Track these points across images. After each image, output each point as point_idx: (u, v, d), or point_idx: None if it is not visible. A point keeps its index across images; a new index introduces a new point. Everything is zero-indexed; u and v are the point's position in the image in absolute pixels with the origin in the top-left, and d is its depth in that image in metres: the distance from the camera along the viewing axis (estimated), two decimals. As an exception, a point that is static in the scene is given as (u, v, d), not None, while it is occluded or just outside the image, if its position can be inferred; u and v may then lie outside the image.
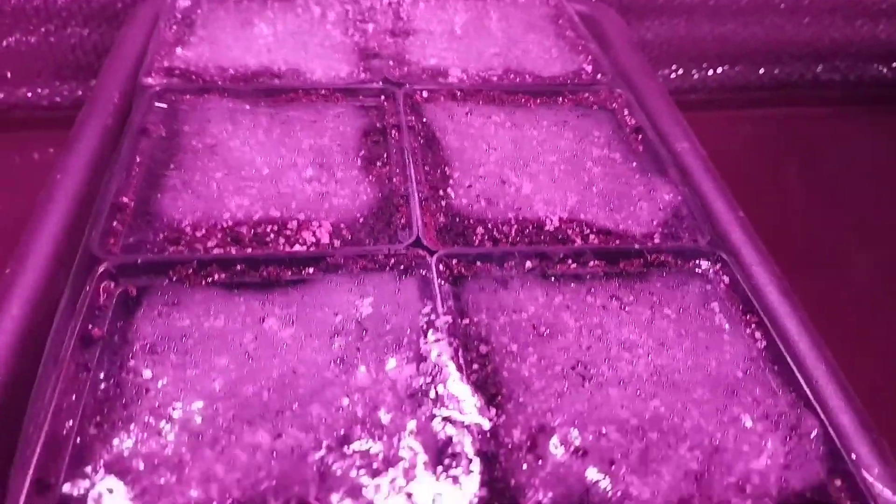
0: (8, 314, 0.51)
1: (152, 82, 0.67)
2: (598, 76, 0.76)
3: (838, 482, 0.44)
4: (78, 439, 0.40)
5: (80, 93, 1.01)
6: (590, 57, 0.78)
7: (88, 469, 0.39)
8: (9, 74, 0.98)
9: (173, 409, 0.42)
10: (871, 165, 1.12)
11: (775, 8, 1.10)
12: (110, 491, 0.38)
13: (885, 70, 1.22)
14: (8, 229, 0.90)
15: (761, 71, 1.18)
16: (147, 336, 0.46)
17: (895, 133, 1.18)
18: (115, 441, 0.40)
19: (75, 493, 0.38)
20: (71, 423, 0.40)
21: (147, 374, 0.44)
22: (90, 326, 0.46)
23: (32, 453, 0.39)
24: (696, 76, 1.15)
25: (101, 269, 0.49)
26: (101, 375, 0.43)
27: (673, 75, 1.14)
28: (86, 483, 0.38)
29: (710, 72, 1.15)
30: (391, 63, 0.74)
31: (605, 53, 0.85)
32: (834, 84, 1.22)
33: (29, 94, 1.00)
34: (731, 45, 1.13)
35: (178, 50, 0.73)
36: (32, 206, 0.95)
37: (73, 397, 0.42)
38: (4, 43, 0.95)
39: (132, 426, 0.41)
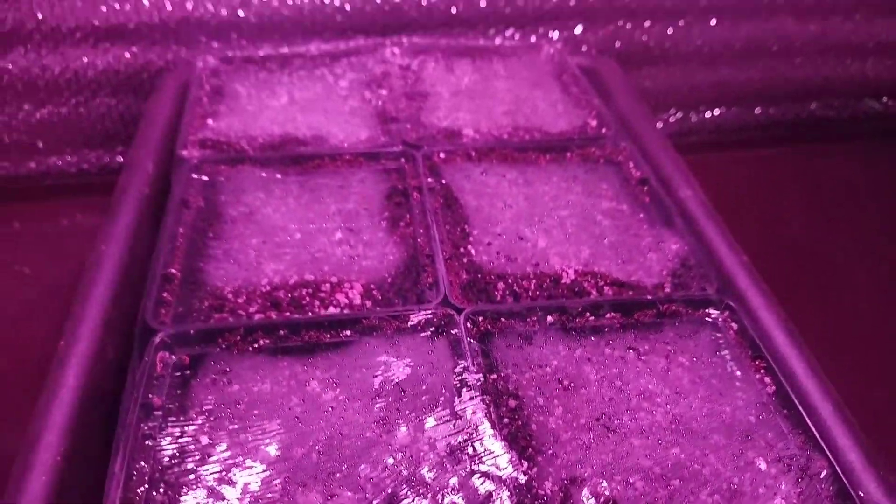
0: (66, 385, 0.55)
1: (189, 155, 0.72)
2: (603, 130, 0.81)
3: (849, 520, 0.47)
4: (149, 505, 0.43)
5: (106, 159, 1.05)
6: (594, 111, 0.83)
7: (160, 533, 0.42)
8: (40, 144, 1.03)
9: (232, 473, 0.45)
10: (870, 196, 1.16)
11: (768, 51, 1.15)
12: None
13: (876, 105, 1.27)
14: (45, 291, 0.95)
15: (757, 111, 1.22)
16: (203, 403, 0.50)
17: (891, 164, 1.22)
18: (183, 505, 0.44)
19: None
20: (142, 489, 0.44)
21: (205, 440, 0.48)
22: (150, 396, 0.50)
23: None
24: (694, 119, 1.20)
25: (156, 340, 0.53)
26: (165, 441, 0.47)
27: (672, 119, 1.19)
28: (158, 546, 0.42)
29: (708, 114, 1.20)
30: (408, 126, 0.79)
31: (608, 104, 0.90)
32: (829, 120, 1.26)
33: (59, 163, 1.05)
34: (726, 88, 1.18)
35: (209, 121, 0.78)
36: (66, 269, 1.00)
37: (142, 463, 0.45)
38: (38, 115, 1.00)
39: (196, 491, 0.44)
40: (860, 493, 0.48)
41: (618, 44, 1.09)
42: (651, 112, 1.08)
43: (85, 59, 0.96)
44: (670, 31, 1.09)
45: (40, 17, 0.93)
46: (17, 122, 1.01)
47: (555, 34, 1.07)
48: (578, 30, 1.07)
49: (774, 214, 1.11)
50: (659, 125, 1.19)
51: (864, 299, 0.96)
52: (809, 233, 1.08)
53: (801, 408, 0.52)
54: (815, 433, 0.51)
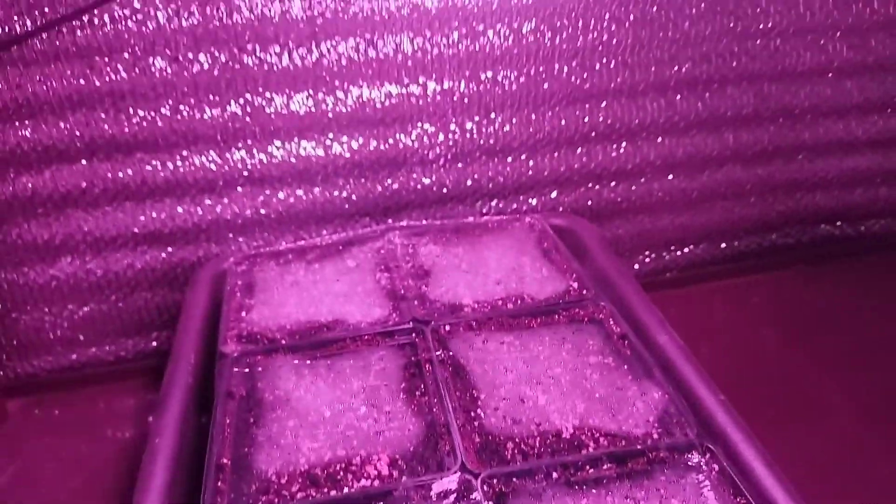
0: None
1: (230, 350, 0.83)
2: (584, 292, 0.92)
3: None
4: None
5: (142, 346, 1.16)
6: (574, 275, 0.95)
7: None
8: (81, 337, 1.14)
9: None
10: (836, 316, 1.27)
11: (722, 195, 1.31)
12: None
13: (832, 229, 1.41)
14: (90, 475, 1.02)
15: (723, 245, 1.36)
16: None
17: (853, 283, 1.34)
18: None
19: None
20: None
21: None
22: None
23: None
24: (667, 257, 1.34)
25: (218, 531, 0.61)
26: None
27: (647, 259, 1.33)
28: None
29: (678, 252, 1.34)
30: (416, 303, 0.91)
31: (586, 262, 1.03)
32: (790, 248, 1.40)
33: (98, 353, 1.15)
34: (691, 229, 1.32)
35: (244, 313, 0.90)
36: (107, 452, 1.08)
37: None
38: (81, 313, 1.12)
39: None
40: None
41: (589, 202, 1.25)
42: (624, 264, 1.22)
43: (125, 262, 1.10)
44: (634, 187, 1.25)
45: (86, 229, 1.07)
46: (62, 320, 1.13)
47: (533, 200, 1.22)
48: (554, 194, 1.23)
49: (749, 341, 1.21)
50: (636, 266, 1.33)
51: (839, 424, 1.04)
52: (783, 358, 1.17)
53: (781, 539, 0.60)
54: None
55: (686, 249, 1.34)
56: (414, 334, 0.86)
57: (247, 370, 0.80)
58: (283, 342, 0.84)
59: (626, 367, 0.81)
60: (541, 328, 0.87)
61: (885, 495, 0.92)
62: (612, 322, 0.88)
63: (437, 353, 0.82)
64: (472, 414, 0.75)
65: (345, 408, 0.76)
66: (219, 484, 0.66)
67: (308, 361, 0.82)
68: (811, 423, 1.05)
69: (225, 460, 0.69)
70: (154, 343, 1.17)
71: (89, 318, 1.13)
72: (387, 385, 0.79)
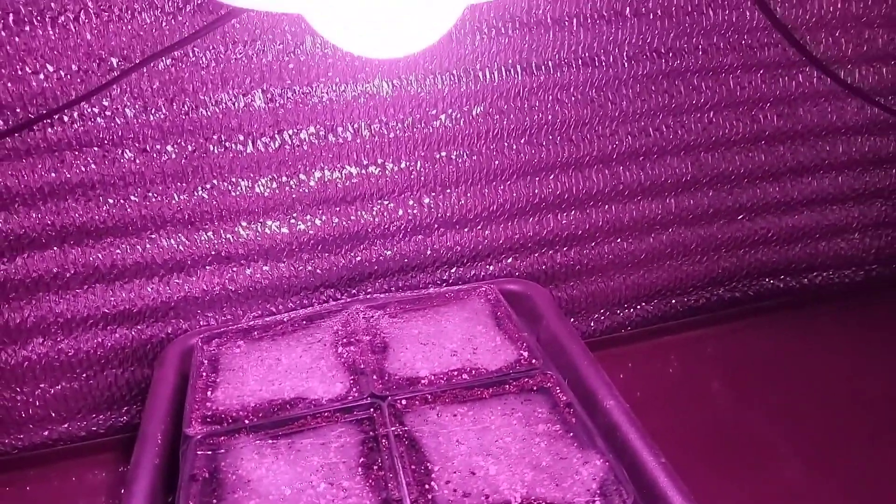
0: None
1: (194, 433, 0.87)
2: (533, 361, 0.98)
3: None
4: None
5: (112, 420, 1.19)
6: (525, 344, 1.01)
7: None
8: (53, 414, 1.17)
9: None
10: (784, 366, 1.33)
11: (669, 255, 1.38)
12: None
13: (776, 283, 1.49)
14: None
15: (673, 301, 1.43)
16: None
17: (799, 332, 1.41)
18: None
19: None
20: None
21: None
22: None
23: None
24: (620, 315, 1.40)
25: None
26: None
27: (602, 318, 1.39)
28: None
29: (631, 310, 1.40)
30: (374, 377, 0.95)
31: (539, 323, 1.09)
32: (737, 300, 1.47)
33: (70, 428, 1.18)
34: (641, 287, 1.39)
35: (209, 393, 0.94)
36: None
37: None
38: (53, 391, 1.15)
39: None
40: None
41: (544, 266, 1.31)
42: (576, 327, 1.28)
43: (96, 341, 1.14)
44: (585, 251, 1.32)
45: (58, 311, 1.11)
46: (34, 399, 1.16)
47: (490, 267, 1.28)
48: (510, 260, 1.29)
49: (701, 394, 1.27)
50: (592, 325, 1.39)
51: (785, 473, 1.08)
52: (732, 409, 1.22)
53: None
54: None
55: (638, 307, 1.41)
56: (372, 409, 0.91)
57: (210, 452, 0.84)
58: (247, 422, 0.88)
59: (571, 435, 0.87)
60: (492, 399, 0.92)
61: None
62: (559, 390, 0.93)
63: (393, 428, 0.87)
64: (427, 486, 0.80)
65: (304, 485, 0.80)
66: (182, 569, 0.70)
67: (270, 441, 0.86)
68: (759, 471, 1.10)
69: (188, 545, 0.73)
70: (125, 418, 1.20)
71: (61, 395, 1.16)
72: (345, 462, 0.83)
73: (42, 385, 1.15)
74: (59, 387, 1.15)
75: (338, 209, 1.16)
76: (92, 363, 1.15)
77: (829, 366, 1.31)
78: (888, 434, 1.14)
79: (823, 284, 1.51)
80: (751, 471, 1.10)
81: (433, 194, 1.20)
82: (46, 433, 1.18)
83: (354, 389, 0.94)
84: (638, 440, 0.87)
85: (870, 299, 1.50)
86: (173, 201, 1.08)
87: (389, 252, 1.22)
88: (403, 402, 0.91)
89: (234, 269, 1.15)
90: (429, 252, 1.24)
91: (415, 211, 1.20)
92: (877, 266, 1.52)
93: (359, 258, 1.21)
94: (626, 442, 0.87)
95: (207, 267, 1.14)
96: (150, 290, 1.13)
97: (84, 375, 1.16)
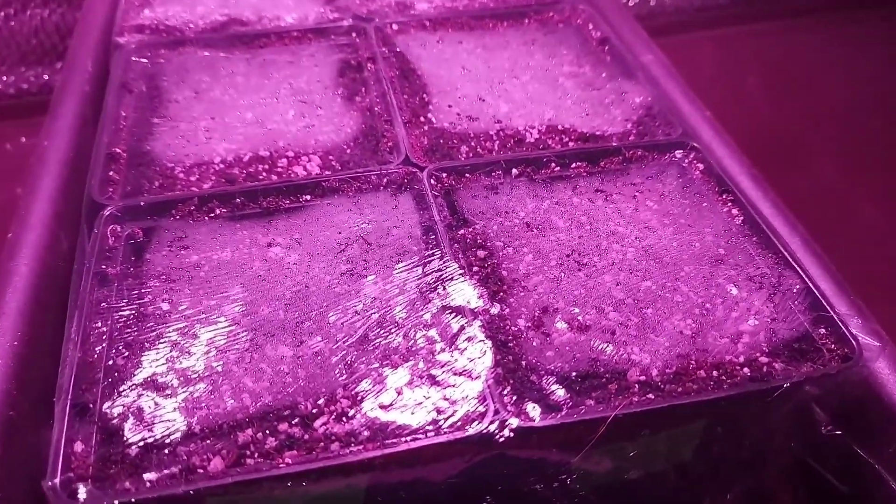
0: (17, 273, 0.52)
1: (126, 41, 0.67)
2: (560, -8, 0.77)
3: (822, 330, 0.47)
4: (110, 362, 0.42)
5: (46, 77, 1.00)
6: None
7: (125, 388, 0.41)
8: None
9: (195, 329, 0.44)
10: (825, 69, 1.16)
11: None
12: (149, 405, 0.40)
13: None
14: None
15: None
16: (160, 271, 0.48)
17: (843, 38, 1.22)
18: (147, 360, 0.42)
19: (115, 411, 0.40)
20: (100, 348, 0.42)
21: (165, 305, 0.46)
22: (104, 266, 0.48)
23: (69, 382, 0.41)
24: (653, 3, 1.18)
25: (106, 214, 0.51)
26: (122, 305, 0.45)
27: (631, 3, 1.17)
28: (124, 400, 0.40)
29: (668, -6, 1.17)
30: (357, 1, 0.75)
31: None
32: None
33: (-6, 85, 0.99)
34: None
35: (146, 10, 0.73)
36: (11, 190, 0.95)
37: (98, 324, 0.44)
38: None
39: (158, 348, 0.43)
40: (831, 311, 0.47)
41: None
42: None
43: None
44: None
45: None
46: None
47: None
48: None
49: (738, 90, 1.11)
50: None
51: (828, 169, 0.97)
52: (772, 106, 1.07)
53: (770, 234, 0.52)
54: (786, 254, 0.51)
55: (676, -11, 1.17)
56: (354, 34, 0.71)
57: (147, 63, 0.66)
58: (193, 36, 0.69)
59: (604, 73, 0.69)
60: (507, 31, 0.73)
61: (864, 231, 0.88)
62: (591, 27, 0.74)
63: (382, 49, 0.68)
64: (423, 118, 0.63)
65: (269, 107, 0.63)
66: (110, 173, 0.55)
67: (222, 55, 0.67)
68: (794, 170, 0.98)
69: (118, 150, 0.57)
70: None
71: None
72: (320, 83, 0.66)
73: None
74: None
75: None
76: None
77: (871, 72, 1.15)
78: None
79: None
80: (787, 167, 0.98)
81: None
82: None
83: (332, 12, 0.73)
84: (678, 91, 0.70)
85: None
86: None
87: None
88: (395, 26, 0.72)
89: None
90: None
91: None
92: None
93: None
94: (665, 91, 0.70)
95: None
96: None
97: (2, 14, 0.94)
